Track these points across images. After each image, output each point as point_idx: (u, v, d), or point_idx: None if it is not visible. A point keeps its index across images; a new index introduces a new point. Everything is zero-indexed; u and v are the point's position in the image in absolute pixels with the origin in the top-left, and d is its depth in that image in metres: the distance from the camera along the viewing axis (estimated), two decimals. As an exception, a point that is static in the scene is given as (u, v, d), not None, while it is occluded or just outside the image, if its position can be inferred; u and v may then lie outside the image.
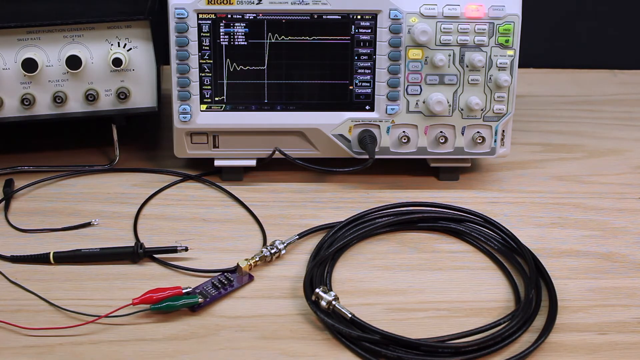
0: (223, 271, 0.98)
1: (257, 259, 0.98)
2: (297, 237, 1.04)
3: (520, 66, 1.12)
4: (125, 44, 1.11)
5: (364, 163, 1.12)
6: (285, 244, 1.01)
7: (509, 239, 1.02)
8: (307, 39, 1.10)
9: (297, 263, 1.01)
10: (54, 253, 0.99)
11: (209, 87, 1.12)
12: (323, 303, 0.90)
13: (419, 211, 1.08)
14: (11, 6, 1.15)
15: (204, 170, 1.19)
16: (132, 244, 1.00)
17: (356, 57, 1.11)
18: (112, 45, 1.11)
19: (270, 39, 1.10)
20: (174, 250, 1.00)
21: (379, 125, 1.13)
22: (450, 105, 1.12)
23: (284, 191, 1.15)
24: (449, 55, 1.10)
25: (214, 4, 1.08)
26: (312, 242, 1.03)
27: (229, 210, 1.11)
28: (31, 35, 1.09)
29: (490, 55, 1.10)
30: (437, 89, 1.11)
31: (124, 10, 1.12)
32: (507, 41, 1.09)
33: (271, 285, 0.97)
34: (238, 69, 1.11)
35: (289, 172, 1.18)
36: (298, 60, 1.11)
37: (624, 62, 1.59)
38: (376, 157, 1.12)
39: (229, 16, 1.09)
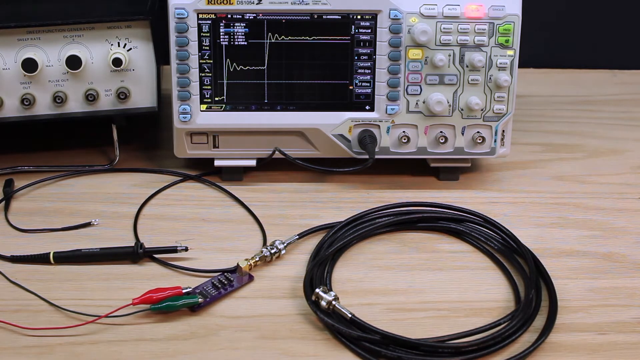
0: (223, 271, 0.98)
1: (257, 259, 0.98)
2: (297, 237, 1.04)
3: (520, 66, 1.12)
4: (125, 44, 1.11)
5: (364, 163, 1.12)
6: (285, 244, 1.01)
7: (509, 239, 1.02)
8: (307, 39, 1.10)
9: (297, 263, 1.01)
10: (54, 253, 0.99)
11: (209, 87, 1.12)
12: (323, 303, 0.90)
13: (419, 211, 1.08)
14: (11, 6, 1.15)
15: (204, 170, 1.19)
16: (132, 244, 1.00)
17: (356, 57, 1.11)
18: (112, 45, 1.11)
19: (270, 39, 1.10)
20: (174, 250, 1.00)
21: (379, 125, 1.13)
22: (450, 105, 1.12)
23: (284, 191, 1.15)
24: (449, 55, 1.10)
25: (214, 4, 1.08)
26: (312, 242, 1.03)
27: (229, 210, 1.11)
28: (31, 35, 1.09)
29: (490, 55, 1.10)
30: (437, 89, 1.11)
31: (124, 10, 1.12)
32: (507, 41, 1.09)
33: (271, 285, 0.97)
34: (238, 69, 1.11)
35: (289, 172, 1.18)
36: (298, 60, 1.11)
37: (624, 62, 1.59)
38: (376, 157, 1.12)
39: (229, 16, 1.09)
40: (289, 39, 1.10)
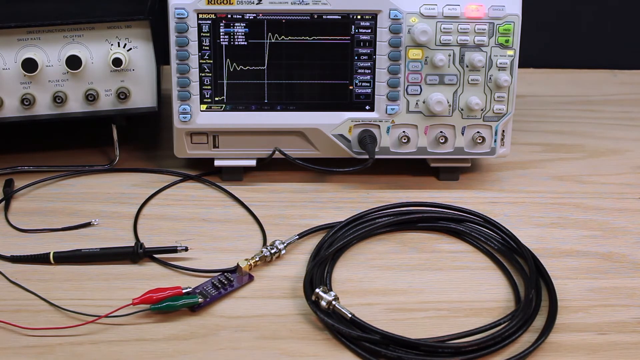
0: (223, 271, 0.98)
1: (257, 259, 0.98)
2: (297, 237, 1.04)
3: (520, 66, 1.12)
4: (125, 44, 1.11)
5: (364, 163, 1.12)
6: (285, 244, 1.01)
7: (509, 239, 1.02)
8: (307, 39, 1.10)
9: (297, 263, 1.01)
10: (54, 253, 0.99)
11: (209, 87, 1.12)
12: (323, 303, 0.90)
13: (419, 211, 1.08)
14: (11, 6, 1.15)
15: (204, 170, 1.19)
16: (132, 244, 1.00)
17: (356, 57, 1.11)
18: (112, 45, 1.11)
19: (270, 39, 1.10)
20: (174, 250, 1.00)
21: (379, 125, 1.13)
22: (450, 105, 1.12)
23: (284, 191, 1.15)
24: (449, 55, 1.10)
25: (214, 4, 1.08)
26: (312, 242, 1.03)
27: (229, 210, 1.11)
28: (31, 35, 1.09)
29: (490, 55, 1.10)
30: (437, 89, 1.11)
31: (124, 10, 1.12)
32: (507, 41, 1.09)
33: (271, 285, 0.97)
34: (238, 69, 1.11)
35: (289, 172, 1.18)
36: (298, 60, 1.11)
37: (623, 62, 1.59)
38: (376, 157, 1.12)
39: (229, 16, 1.09)
40: (289, 39, 1.10)
